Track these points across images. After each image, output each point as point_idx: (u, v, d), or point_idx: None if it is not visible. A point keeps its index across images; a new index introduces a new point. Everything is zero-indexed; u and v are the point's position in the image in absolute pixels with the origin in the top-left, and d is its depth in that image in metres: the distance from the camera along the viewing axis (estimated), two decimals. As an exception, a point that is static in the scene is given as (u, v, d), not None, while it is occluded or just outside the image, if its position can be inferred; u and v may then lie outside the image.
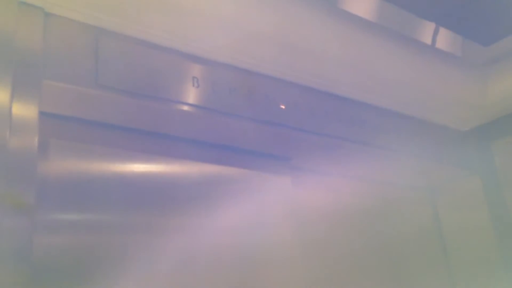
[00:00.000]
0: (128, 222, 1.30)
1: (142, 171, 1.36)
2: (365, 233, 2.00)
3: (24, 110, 1.12)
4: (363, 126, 1.86)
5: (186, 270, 1.37)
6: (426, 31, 2.04)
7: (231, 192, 1.56)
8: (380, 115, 1.93)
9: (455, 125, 2.18)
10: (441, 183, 2.25)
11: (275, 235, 1.60)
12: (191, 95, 1.42)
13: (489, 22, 1.81)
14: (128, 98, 1.28)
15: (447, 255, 2.18)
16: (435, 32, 2.06)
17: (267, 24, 1.57)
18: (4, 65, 1.12)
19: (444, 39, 2.13)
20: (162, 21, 1.38)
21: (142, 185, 1.35)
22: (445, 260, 2.18)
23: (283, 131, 1.65)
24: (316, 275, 1.74)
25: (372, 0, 1.77)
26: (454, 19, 1.83)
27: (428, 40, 2.08)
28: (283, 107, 1.65)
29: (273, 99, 1.63)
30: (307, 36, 1.68)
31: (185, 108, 1.41)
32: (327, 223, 1.88)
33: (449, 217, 2.21)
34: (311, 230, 1.80)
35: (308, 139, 1.71)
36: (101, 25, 1.29)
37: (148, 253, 1.31)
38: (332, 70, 1.78)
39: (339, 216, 1.93)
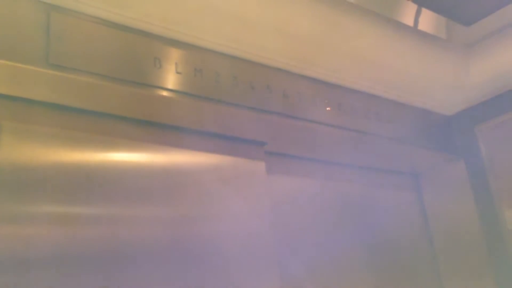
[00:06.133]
0: (88, 211, 1.25)
1: (101, 156, 1.31)
2: (346, 220, 1.94)
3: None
4: (341, 109, 1.81)
5: (155, 259, 1.32)
6: (408, 12, 1.99)
7: (201, 179, 1.51)
8: (360, 99, 1.88)
9: (438, 109, 2.14)
10: (426, 168, 2.20)
11: (248, 223, 1.55)
12: (153, 77, 1.37)
13: (470, 1, 1.75)
14: (83, 78, 1.23)
15: (432, 240, 2.14)
16: (417, 14, 2.01)
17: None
18: None
19: (427, 21, 2.08)
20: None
21: (102, 171, 1.30)
22: (430, 246, 2.13)
23: (257, 115, 1.59)
24: (291, 265, 1.69)
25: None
26: (435, -2, 1.77)
27: (410, 22, 2.04)
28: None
29: (244, 82, 1.58)
30: (283, 17, 1.62)
31: (147, 89, 1.35)
32: (304, 210, 1.82)
33: (433, 202, 2.17)
34: (286, 218, 1.75)
35: (284, 123, 1.65)
36: (53, 1, 1.23)
37: (112, 243, 1.27)
38: (309, 52, 1.73)
39: (317, 203, 1.88)
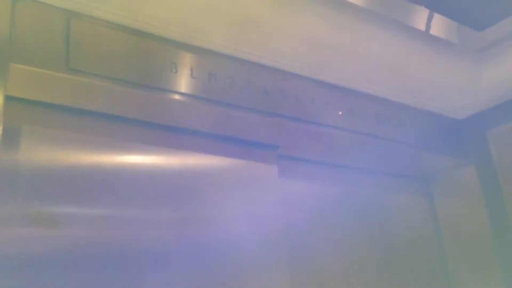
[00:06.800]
0: (104, 213, 1.28)
1: (118, 159, 1.34)
2: (357, 224, 1.95)
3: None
4: (353, 113, 1.82)
5: (167, 262, 1.34)
6: (420, 17, 2.00)
7: (214, 182, 1.53)
8: (372, 103, 1.89)
9: (450, 113, 2.14)
10: (437, 173, 2.21)
11: (260, 226, 1.57)
12: (170, 81, 1.39)
13: (482, 7, 1.76)
14: (102, 83, 1.25)
15: (442, 245, 2.14)
16: (429, 18, 2.02)
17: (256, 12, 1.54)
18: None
19: (439, 26, 2.09)
20: (138, 4, 1.35)
21: (120, 174, 1.33)
22: (440, 250, 2.14)
23: (270, 119, 1.61)
24: (303, 268, 1.70)
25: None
26: (447, 4, 1.78)
27: (422, 27, 2.05)
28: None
29: (258, 87, 1.59)
30: (297, 22, 1.64)
31: (163, 94, 1.38)
32: (316, 214, 1.84)
33: (444, 207, 2.17)
34: (299, 221, 1.77)
35: (296, 127, 1.67)
36: (73, 7, 1.25)
37: (127, 245, 1.29)
38: (322, 57, 1.74)
39: (329, 207, 1.89)
